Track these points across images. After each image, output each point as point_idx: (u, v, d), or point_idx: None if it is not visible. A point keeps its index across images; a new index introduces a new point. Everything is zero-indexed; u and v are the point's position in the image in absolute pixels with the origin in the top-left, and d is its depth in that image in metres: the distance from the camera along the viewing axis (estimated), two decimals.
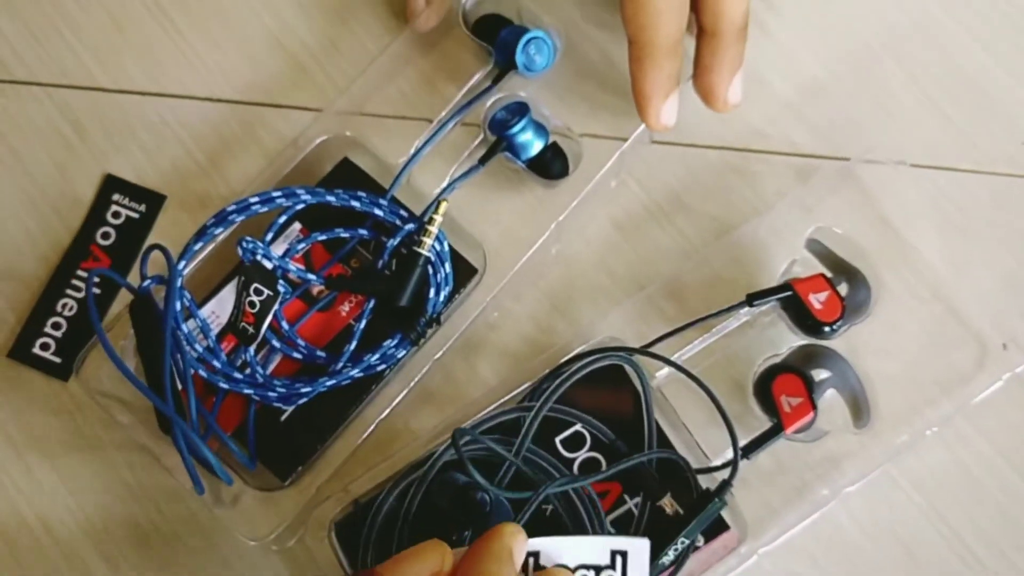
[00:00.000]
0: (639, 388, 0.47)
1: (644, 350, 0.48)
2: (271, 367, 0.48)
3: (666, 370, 0.48)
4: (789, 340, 0.49)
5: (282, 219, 0.49)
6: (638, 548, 0.42)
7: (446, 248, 0.49)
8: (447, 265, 0.49)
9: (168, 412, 0.43)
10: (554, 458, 0.47)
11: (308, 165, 0.51)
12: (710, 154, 0.53)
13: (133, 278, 0.48)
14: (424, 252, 0.48)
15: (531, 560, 0.40)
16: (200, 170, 0.53)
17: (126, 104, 0.54)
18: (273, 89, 0.54)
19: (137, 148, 0.54)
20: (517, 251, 0.49)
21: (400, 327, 0.48)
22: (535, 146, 0.50)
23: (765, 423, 0.47)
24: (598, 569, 0.41)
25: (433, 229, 0.48)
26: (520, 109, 0.50)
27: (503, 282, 0.49)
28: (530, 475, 0.45)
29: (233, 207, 0.48)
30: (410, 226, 0.49)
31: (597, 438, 0.47)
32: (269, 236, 0.49)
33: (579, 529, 0.45)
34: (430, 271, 0.48)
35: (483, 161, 0.50)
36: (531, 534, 0.40)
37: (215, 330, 0.48)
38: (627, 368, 0.47)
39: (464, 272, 0.49)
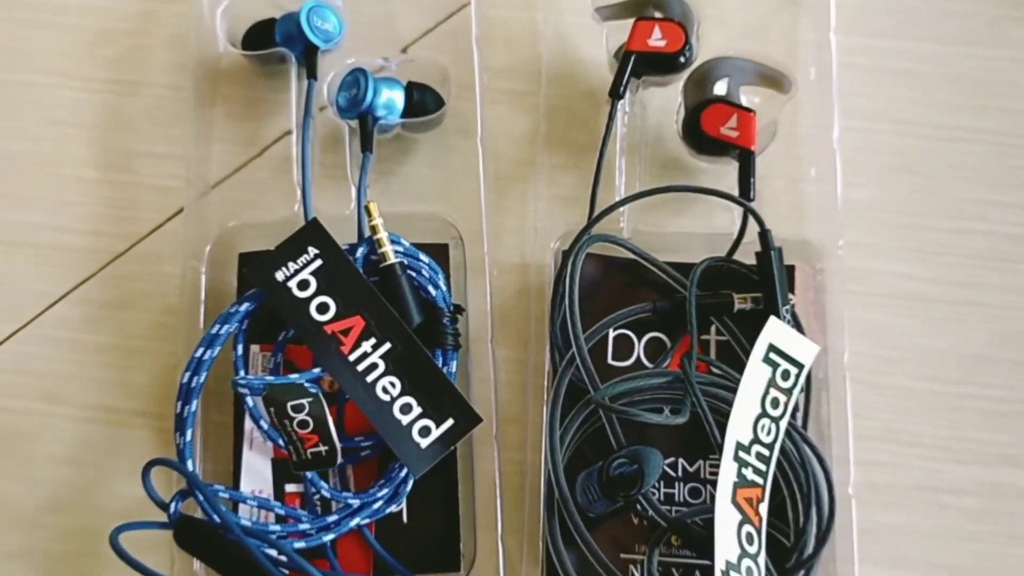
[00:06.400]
0: (630, 254, 0.43)
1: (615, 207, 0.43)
2: (351, 484, 0.41)
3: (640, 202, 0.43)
4: (674, 91, 0.45)
5: (239, 348, 0.41)
6: (773, 326, 0.40)
7: (407, 244, 0.42)
8: (423, 256, 0.42)
9: None
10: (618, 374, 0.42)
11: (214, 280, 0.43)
12: None
13: None
14: (391, 260, 0.41)
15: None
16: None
17: None
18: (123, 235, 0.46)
19: None
20: (471, 202, 0.44)
21: (433, 343, 0.41)
22: (398, 97, 0.44)
23: (727, 164, 0.43)
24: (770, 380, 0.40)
25: (382, 234, 0.41)
26: (356, 79, 0.44)
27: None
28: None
29: (199, 351, 0.40)
30: (361, 248, 0.42)
31: (638, 322, 0.43)
32: (241, 372, 0.41)
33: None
34: (412, 275, 0.41)
35: (367, 148, 0.43)
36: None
37: (271, 499, 0.40)
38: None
39: (440, 251, 0.43)
